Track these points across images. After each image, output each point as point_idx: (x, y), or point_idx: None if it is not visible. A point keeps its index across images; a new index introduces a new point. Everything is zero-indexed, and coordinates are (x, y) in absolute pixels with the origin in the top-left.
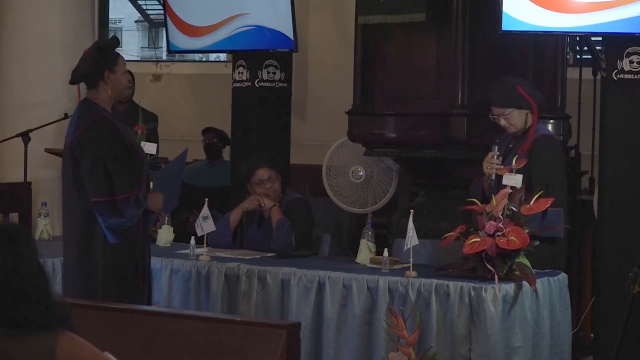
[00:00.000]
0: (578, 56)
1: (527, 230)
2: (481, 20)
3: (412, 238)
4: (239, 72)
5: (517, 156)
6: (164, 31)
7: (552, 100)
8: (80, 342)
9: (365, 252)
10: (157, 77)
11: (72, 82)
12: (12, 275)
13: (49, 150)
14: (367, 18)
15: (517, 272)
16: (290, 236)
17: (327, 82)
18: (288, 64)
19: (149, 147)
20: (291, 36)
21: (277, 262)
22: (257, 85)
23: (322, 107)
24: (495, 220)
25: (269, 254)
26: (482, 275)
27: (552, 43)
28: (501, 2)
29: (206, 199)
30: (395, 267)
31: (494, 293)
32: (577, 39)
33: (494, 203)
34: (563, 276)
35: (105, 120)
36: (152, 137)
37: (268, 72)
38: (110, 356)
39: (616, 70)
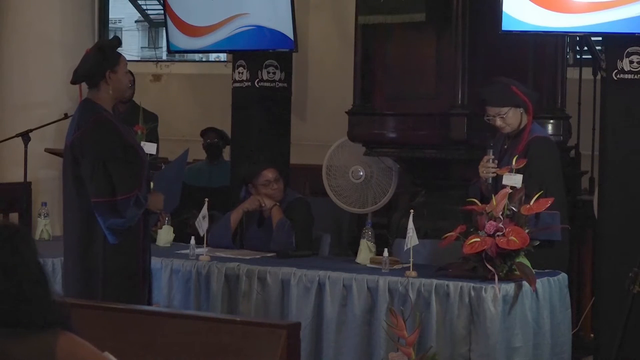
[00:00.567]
0: (578, 56)
1: (527, 231)
2: (481, 20)
3: (412, 238)
4: (239, 72)
5: (517, 156)
6: (164, 31)
7: (552, 100)
8: (80, 342)
9: (365, 252)
10: (157, 77)
11: (73, 82)
12: (12, 275)
13: (49, 150)
14: (367, 18)
15: (517, 272)
16: (290, 236)
17: (327, 82)
18: (288, 64)
19: (149, 147)
20: (291, 36)
21: (277, 262)
22: (257, 85)
23: (322, 107)
24: (495, 220)
25: (269, 254)
26: (482, 275)
27: (552, 43)
28: (501, 2)
29: (206, 199)
30: (395, 267)
31: (494, 293)
32: (577, 39)
33: (494, 203)
34: (563, 276)
35: (105, 121)
36: (152, 137)
37: (268, 72)
38: (110, 356)
39: (616, 70)
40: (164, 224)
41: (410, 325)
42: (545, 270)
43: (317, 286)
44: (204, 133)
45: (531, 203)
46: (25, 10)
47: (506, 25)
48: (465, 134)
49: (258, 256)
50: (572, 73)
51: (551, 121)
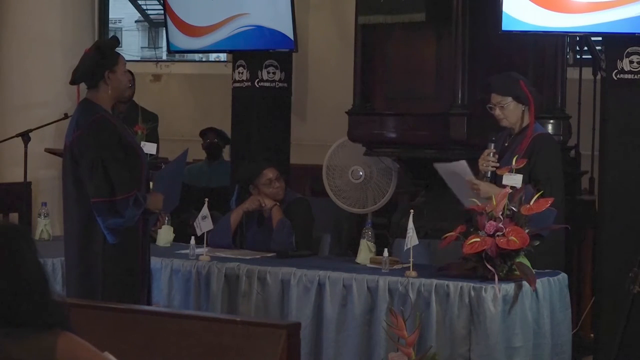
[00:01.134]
0: (578, 56)
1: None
2: (481, 20)
3: (412, 238)
4: (239, 72)
5: (517, 156)
6: (164, 31)
7: (552, 100)
8: (80, 342)
9: (365, 252)
10: (157, 77)
11: (72, 83)
12: (12, 275)
13: (49, 150)
14: (367, 18)
15: (517, 272)
16: (290, 236)
17: (327, 82)
18: (288, 64)
19: (149, 147)
20: (291, 36)
21: (277, 262)
22: (257, 85)
23: (322, 107)
24: (495, 220)
25: (269, 254)
26: (482, 275)
27: (552, 43)
28: (501, 2)
29: (206, 199)
30: (395, 267)
31: (494, 293)
32: (577, 39)
33: (494, 203)
34: (563, 276)
35: (105, 121)
36: (152, 137)
37: (268, 72)
38: (110, 356)
39: (616, 70)
40: (164, 224)
41: (410, 325)
42: (545, 271)
43: (317, 286)
44: (204, 133)
45: (531, 203)
46: (25, 10)
47: (506, 25)
48: (465, 134)
49: (258, 256)
50: (572, 73)
51: (551, 121)
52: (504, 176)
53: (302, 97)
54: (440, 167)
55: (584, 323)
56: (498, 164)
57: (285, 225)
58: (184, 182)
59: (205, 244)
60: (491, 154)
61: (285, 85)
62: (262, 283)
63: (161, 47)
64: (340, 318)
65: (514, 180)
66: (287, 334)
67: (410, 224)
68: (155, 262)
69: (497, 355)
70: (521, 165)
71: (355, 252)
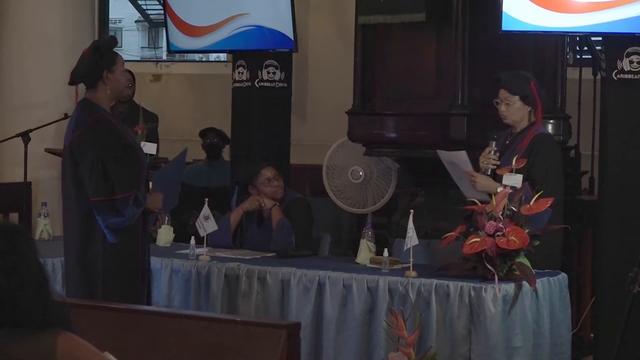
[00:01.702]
0: (578, 56)
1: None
2: (481, 20)
3: (412, 238)
4: (239, 72)
5: (517, 156)
6: (164, 31)
7: (552, 100)
8: (80, 342)
9: (365, 252)
10: (157, 77)
11: (71, 83)
12: (12, 275)
13: (49, 150)
14: (367, 18)
15: (517, 272)
16: (290, 236)
17: (327, 82)
18: (288, 64)
19: (149, 147)
20: (291, 36)
21: (277, 262)
22: (257, 85)
23: (322, 107)
24: (495, 220)
25: (269, 254)
26: (482, 275)
27: (552, 43)
28: (501, 2)
29: (206, 199)
30: (395, 267)
31: (494, 293)
32: (577, 39)
33: (494, 203)
34: (563, 276)
35: (104, 120)
36: (152, 137)
37: (268, 72)
38: (110, 356)
39: (616, 70)
40: (163, 224)
41: (410, 325)
42: (545, 270)
43: (317, 286)
44: (204, 133)
45: (531, 203)
46: (25, 10)
47: (506, 25)
48: (465, 134)
49: (258, 256)
50: (572, 73)
51: (551, 121)
52: (504, 176)
53: (302, 97)
54: (442, 154)
55: (584, 323)
56: (499, 162)
57: (285, 225)
58: (184, 182)
59: (205, 244)
60: (492, 152)
61: (285, 85)
62: (262, 283)
63: (161, 47)
64: (340, 318)
65: (514, 180)
66: (287, 334)
67: (410, 224)
68: (155, 262)
69: (497, 355)
70: (521, 165)
71: (355, 252)
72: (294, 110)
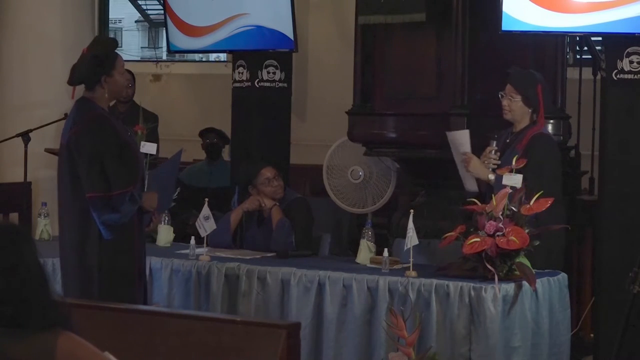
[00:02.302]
0: (578, 56)
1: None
2: (481, 20)
3: (412, 238)
4: (239, 72)
5: (517, 156)
6: (164, 31)
7: (552, 101)
8: (80, 342)
9: (365, 252)
10: (157, 77)
11: (70, 83)
12: (13, 275)
13: (49, 150)
14: (367, 18)
15: (517, 272)
16: (290, 236)
17: (327, 82)
18: (288, 64)
19: (149, 147)
20: (291, 36)
21: (277, 262)
22: (257, 85)
23: (322, 107)
24: (495, 220)
25: (269, 254)
26: (482, 275)
27: (552, 43)
28: (501, 2)
29: (206, 199)
30: (395, 267)
31: (494, 293)
32: (577, 39)
33: (494, 203)
34: (563, 276)
35: (101, 118)
36: (152, 137)
37: (268, 72)
38: (110, 356)
39: (616, 70)
40: (157, 224)
41: (410, 325)
42: (545, 270)
43: (317, 286)
44: (203, 133)
45: (531, 203)
46: (25, 10)
47: (506, 25)
48: None
49: (258, 256)
50: (572, 73)
51: (551, 121)
52: (504, 176)
53: (302, 97)
54: (448, 134)
55: (584, 323)
56: (499, 162)
57: (285, 225)
58: (184, 182)
59: (205, 244)
60: (493, 151)
61: (285, 85)
62: (262, 283)
63: (161, 47)
64: (340, 318)
65: (514, 180)
66: (287, 334)
67: (410, 224)
68: (155, 262)
69: (496, 355)
70: (521, 165)
71: (355, 252)
72: (294, 110)
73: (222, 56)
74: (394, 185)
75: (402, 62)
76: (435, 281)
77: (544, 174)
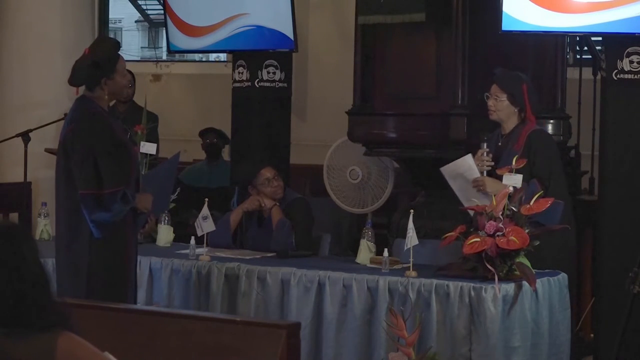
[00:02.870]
0: (578, 56)
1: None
2: (481, 20)
3: (412, 238)
4: (239, 72)
5: (517, 156)
6: (164, 31)
7: (552, 100)
8: (80, 342)
9: (365, 252)
10: (157, 77)
11: (70, 84)
12: (13, 275)
13: (49, 150)
14: (367, 18)
15: (517, 272)
16: (290, 236)
17: (327, 82)
18: (288, 64)
19: (149, 147)
20: (291, 36)
21: (277, 262)
22: (257, 85)
23: (322, 107)
24: (495, 220)
25: (269, 254)
26: (482, 275)
27: (552, 43)
28: (501, 2)
29: (206, 199)
30: (395, 267)
31: (494, 293)
32: (577, 39)
33: (494, 203)
34: (563, 276)
35: (98, 115)
36: (152, 137)
37: (268, 72)
38: (110, 356)
39: (616, 70)
40: (153, 227)
41: (410, 325)
42: (545, 270)
43: (317, 286)
44: (203, 133)
45: (531, 203)
46: (25, 10)
47: (506, 25)
48: (465, 134)
49: (258, 256)
50: (572, 73)
51: (551, 121)
52: (504, 176)
53: (302, 97)
54: (445, 170)
55: (584, 323)
56: (493, 163)
57: (285, 225)
58: (184, 182)
59: (205, 244)
60: (484, 153)
61: (285, 85)
62: (262, 283)
63: (161, 47)
64: (340, 318)
65: (514, 180)
66: (287, 334)
67: (410, 224)
68: (155, 262)
69: (497, 355)
70: (521, 165)
71: (355, 252)
72: (294, 110)
73: (222, 56)
74: (392, 184)
75: (402, 62)
76: (435, 281)
77: (553, 169)
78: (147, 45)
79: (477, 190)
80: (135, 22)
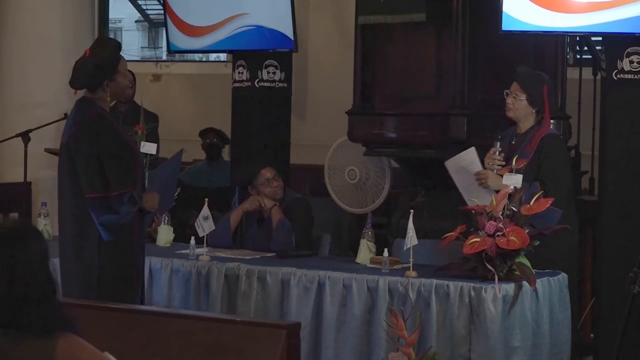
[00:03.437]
0: (578, 56)
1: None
2: (481, 20)
3: (412, 238)
4: (239, 72)
5: (516, 156)
6: (164, 31)
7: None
8: (80, 343)
9: (365, 252)
10: (157, 77)
11: (71, 86)
12: (16, 275)
13: (49, 150)
14: (367, 18)
15: (517, 272)
16: (290, 236)
17: (327, 82)
18: (288, 64)
19: (149, 147)
20: (291, 36)
21: (277, 262)
22: (257, 85)
23: (322, 107)
24: (495, 220)
25: (269, 254)
26: (482, 275)
27: (552, 43)
28: (501, 2)
29: (206, 199)
30: (395, 267)
31: (494, 293)
32: (577, 39)
33: (494, 203)
34: (563, 276)
35: (101, 117)
36: (152, 137)
37: (268, 72)
38: (110, 356)
39: (616, 70)
40: (159, 225)
41: (410, 325)
42: (545, 270)
43: (317, 286)
44: (203, 133)
45: (531, 203)
46: (25, 10)
47: (506, 25)
48: (465, 134)
49: (258, 256)
50: (572, 73)
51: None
52: (504, 176)
53: (302, 97)
54: (449, 163)
55: (584, 323)
56: (504, 163)
57: (285, 225)
58: (184, 182)
59: (205, 244)
60: (497, 152)
61: (285, 85)
62: (262, 283)
63: (161, 47)
64: (340, 318)
65: (514, 180)
66: (287, 334)
67: (410, 224)
68: (155, 262)
69: (496, 355)
70: (521, 165)
71: (355, 252)
72: (294, 110)
73: (222, 56)
74: (389, 184)
75: (402, 62)
76: (435, 281)
77: (559, 176)
78: (147, 45)
79: (479, 184)
80: (135, 22)
